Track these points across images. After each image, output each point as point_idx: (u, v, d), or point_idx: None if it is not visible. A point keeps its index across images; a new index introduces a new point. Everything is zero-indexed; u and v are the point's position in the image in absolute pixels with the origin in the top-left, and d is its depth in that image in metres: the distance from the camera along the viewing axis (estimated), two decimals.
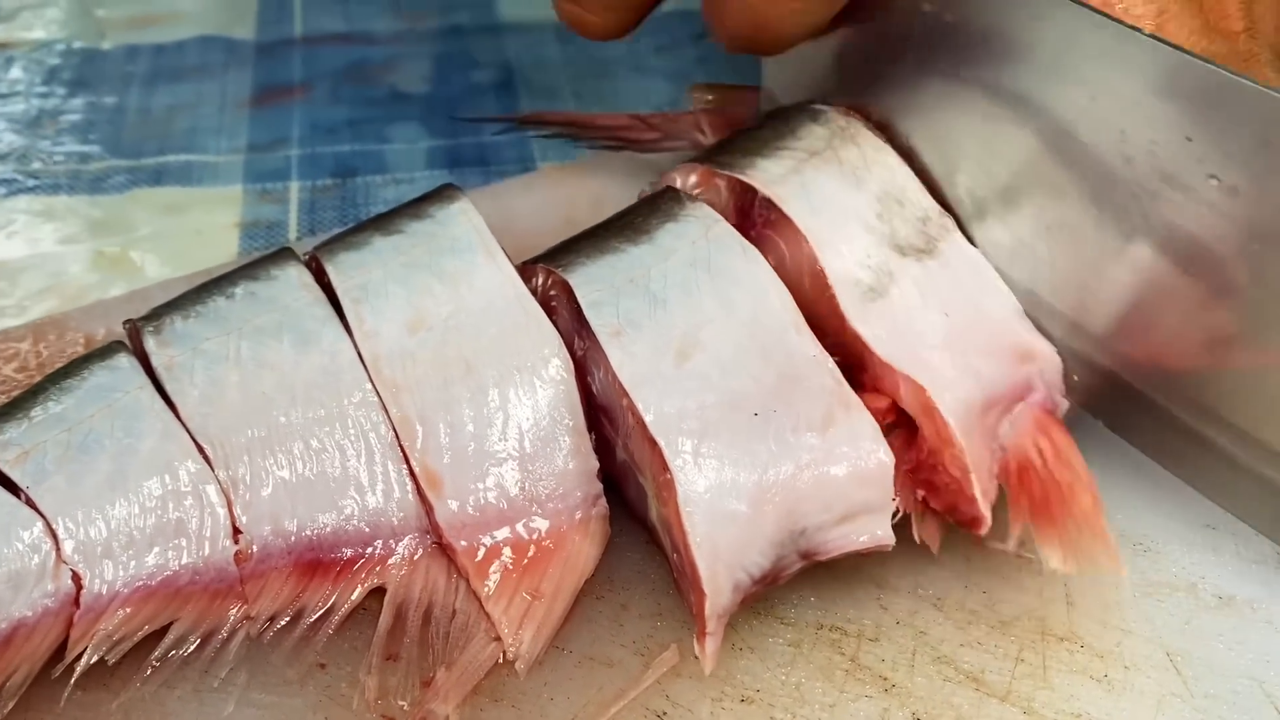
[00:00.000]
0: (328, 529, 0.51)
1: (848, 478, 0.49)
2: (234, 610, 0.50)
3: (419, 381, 0.51)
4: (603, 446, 0.54)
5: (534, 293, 0.54)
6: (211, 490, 0.50)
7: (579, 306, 0.51)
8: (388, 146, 0.81)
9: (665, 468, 0.48)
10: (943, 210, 0.55)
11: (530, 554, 0.51)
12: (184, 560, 0.49)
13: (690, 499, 0.48)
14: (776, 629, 0.52)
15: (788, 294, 0.52)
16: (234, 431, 0.51)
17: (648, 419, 0.49)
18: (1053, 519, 0.51)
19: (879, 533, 0.50)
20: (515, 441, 0.51)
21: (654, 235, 0.54)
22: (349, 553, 0.51)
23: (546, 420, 0.51)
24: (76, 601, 0.48)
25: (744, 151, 0.57)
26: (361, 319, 0.53)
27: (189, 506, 0.50)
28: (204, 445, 0.50)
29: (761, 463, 0.49)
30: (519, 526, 0.51)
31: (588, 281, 0.52)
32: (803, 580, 0.52)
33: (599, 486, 0.52)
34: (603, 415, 0.54)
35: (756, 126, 0.59)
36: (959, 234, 0.55)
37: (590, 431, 0.53)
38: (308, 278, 0.54)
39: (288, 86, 0.87)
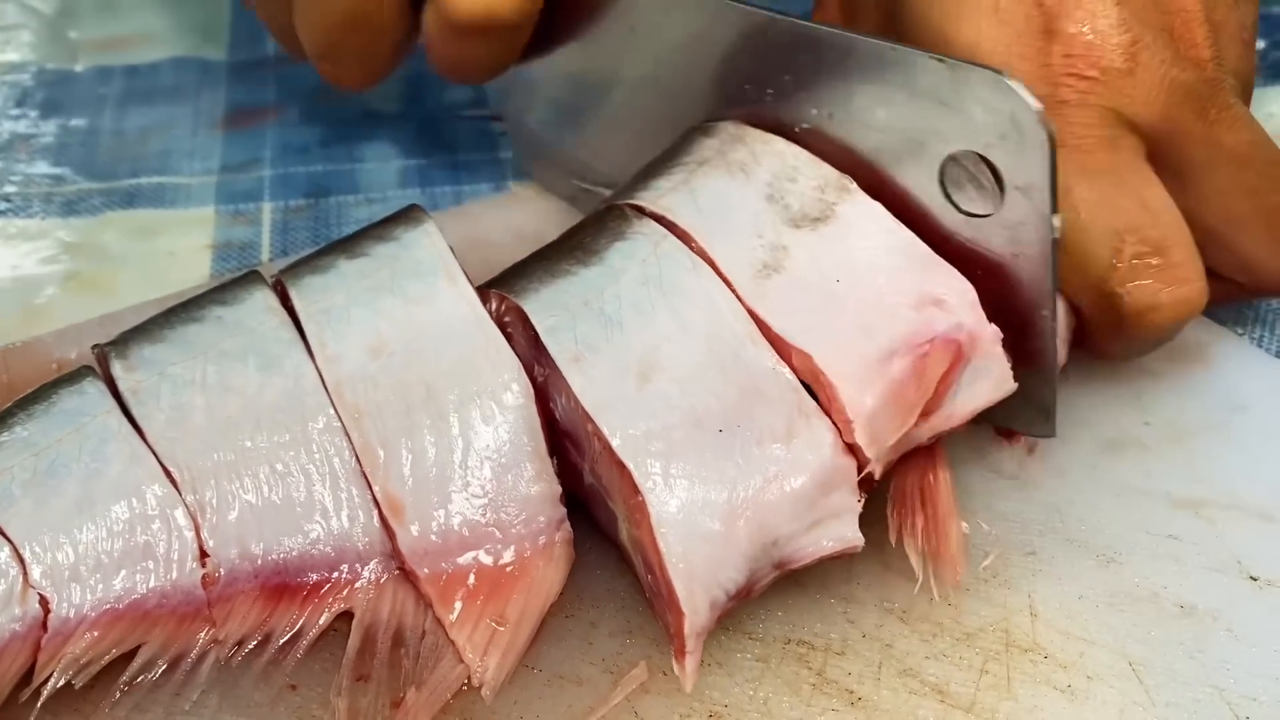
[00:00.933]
0: (293, 553, 0.50)
1: (814, 485, 0.49)
2: (202, 634, 0.50)
3: (380, 406, 0.51)
4: (569, 470, 0.53)
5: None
6: (179, 514, 0.49)
7: (535, 333, 0.51)
8: (360, 166, 0.81)
9: (636, 491, 0.48)
10: (840, 173, 0.55)
11: (494, 581, 0.50)
12: (151, 583, 0.49)
13: (664, 520, 0.47)
14: (744, 644, 0.51)
15: (740, 306, 0.51)
16: (200, 455, 0.50)
17: (614, 443, 0.48)
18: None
19: (848, 535, 0.50)
20: (477, 468, 0.50)
21: (604, 255, 0.53)
22: (315, 577, 0.51)
23: (508, 446, 0.51)
24: (44, 625, 0.48)
25: (643, 176, 0.57)
26: (324, 343, 0.52)
27: (156, 530, 0.49)
28: (171, 469, 0.50)
29: (730, 479, 0.48)
30: (482, 553, 0.50)
31: (543, 307, 0.51)
32: (770, 595, 0.51)
33: (562, 511, 0.51)
34: (567, 440, 0.53)
35: (661, 153, 0.59)
36: (860, 193, 0.54)
37: (553, 456, 0.52)
38: (274, 301, 0.54)
39: (260, 107, 0.86)
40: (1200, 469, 0.58)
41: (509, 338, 0.53)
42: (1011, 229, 0.51)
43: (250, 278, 0.55)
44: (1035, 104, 0.48)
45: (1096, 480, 0.57)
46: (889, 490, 0.53)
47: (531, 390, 0.51)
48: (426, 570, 0.50)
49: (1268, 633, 0.52)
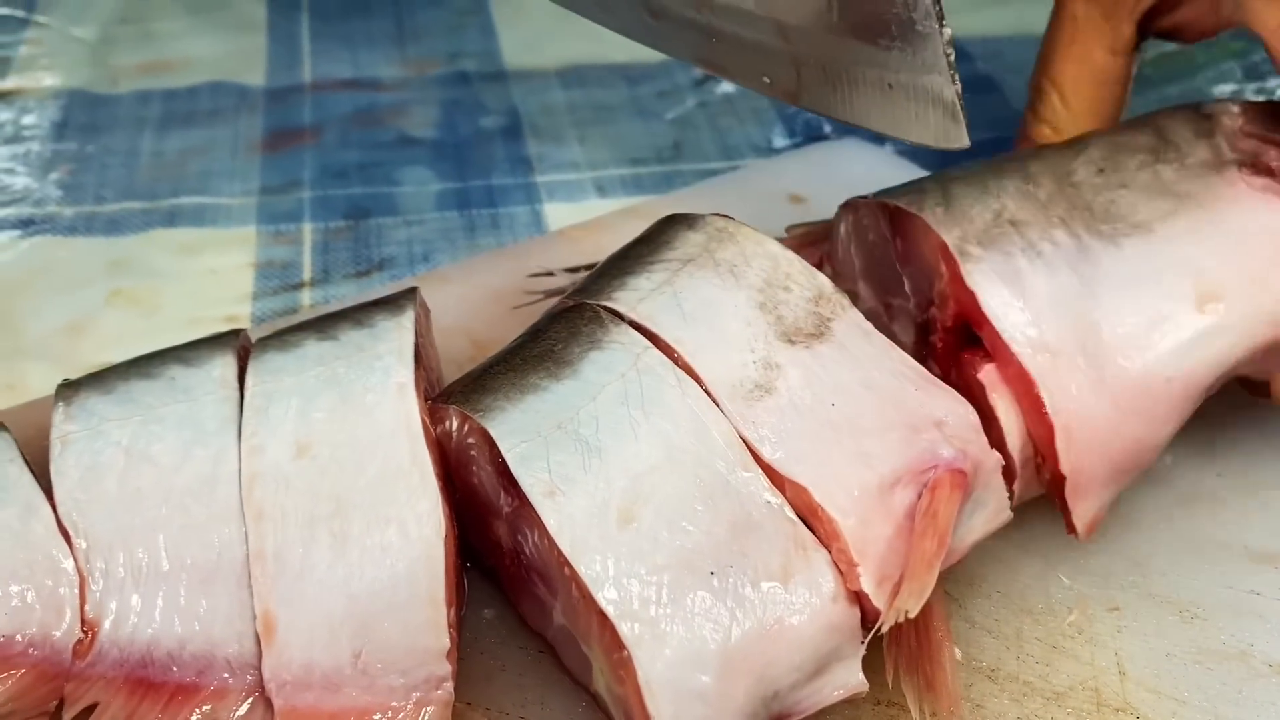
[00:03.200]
0: (164, 648, 0.44)
1: (815, 630, 0.41)
2: (50, 704, 0.44)
3: (285, 512, 0.44)
4: (536, 609, 0.46)
5: (448, 437, 0.46)
6: (66, 573, 0.44)
7: (503, 460, 0.43)
8: (398, 189, 0.76)
9: (620, 645, 0.40)
10: (836, 288, 0.48)
11: None
12: (25, 629, 0.43)
13: (652, 679, 0.39)
14: (835, 706, 0.44)
15: (730, 429, 0.44)
16: (101, 522, 0.45)
17: (596, 593, 0.40)
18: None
19: (853, 681, 0.43)
20: (364, 602, 0.42)
21: (578, 368, 0.45)
22: (182, 678, 0.44)
23: (403, 584, 0.43)
24: None
25: (618, 273, 0.49)
26: (254, 430, 0.45)
27: (40, 581, 0.44)
28: (69, 529, 0.45)
29: (724, 627, 0.40)
30: (340, 696, 0.43)
31: (511, 431, 0.43)
32: None
33: (447, 669, 0.43)
34: (536, 577, 0.45)
35: (636, 241, 0.52)
36: (854, 310, 0.47)
37: (518, 593, 0.47)
38: (230, 372, 0.47)
39: (298, 131, 0.81)
40: (1275, 521, 0.53)
41: (470, 462, 0.46)
42: None
43: (222, 339, 0.50)
44: None
45: (1174, 533, 0.52)
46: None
47: (444, 528, 0.43)
48: (282, 701, 0.43)
49: None
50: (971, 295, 0.48)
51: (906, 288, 0.52)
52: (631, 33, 0.60)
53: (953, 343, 0.50)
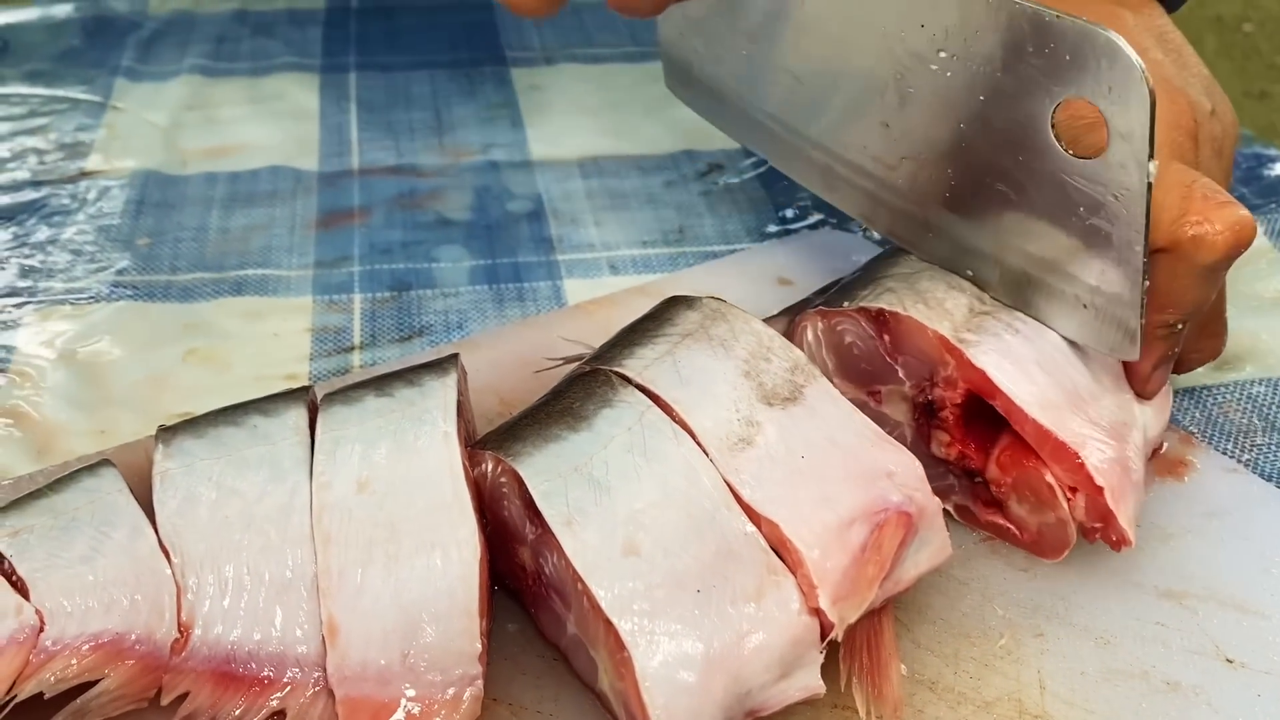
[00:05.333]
0: (246, 646, 0.51)
1: (782, 641, 0.49)
2: (150, 692, 0.51)
3: (349, 536, 0.51)
4: (552, 621, 0.54)
5: (484, 477, 0.54)
6: (167, 583, 0.51)
7: (529, 495, 0.50)
8: (436, 265, 0.82)
9: (622, 646, 0.47)
10: (809, 359, 0.56)
11: (394, 717, 0.50)
12: (135, 628, 0.50)
13: (648, 674, 0.47)
14: (796, 706, 0.51)
15: (716, 474, 0.51)
16: (195, 542, 0.52)
17: (603, 603, 0.48)
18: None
19: (812, 684, 0.50)
20: (412, 612, 0.50)
21: (592, 422, 0.53)
22: (260, 672, 0.51)
23: (445, 598, 0.50)
24: (37, 642, 0.50)
25: (628, 344, 0.57)
26: (322, 470, 0.53)
27: (146, 589, 0.51)
28: (168, 547, 0.52)
29: (708, 635, 0.48)
30: (392, 690, 0.50)
31: (537, 472, 0.51)
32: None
33: (478, 669, 0.50)
34: (554, 594, 0.53)
35: (644, 317, 0.60)
36: (823, 379, 0.55)
37: (535, 609, 0.54)
38: (303, 421, 0.55)
39: (348, 211, 0.87)
40: (1183, 565, 0.60)
41: (503, 498, 0.54)
42: (1113, 170, 0.52)
43: (295, 394, 0.57)
44: (1140, 63, 0.49)
45: (1095, 573, 0.59)
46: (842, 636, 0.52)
47: (480, 552, 0.51)
48: (343, 692, 0.50)
49: (1241, 707, 0.53)
50: (982, 374, 0.56)
51: (900, 374, 0.60)
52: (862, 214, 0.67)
53: (961, 415, 0.58)
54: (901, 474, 0.53)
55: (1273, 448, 0.68)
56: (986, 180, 0.57)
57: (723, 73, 0.69)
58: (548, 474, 0.51)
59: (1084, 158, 0.53)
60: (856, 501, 0.52)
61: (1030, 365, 0.57)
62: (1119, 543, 0.56)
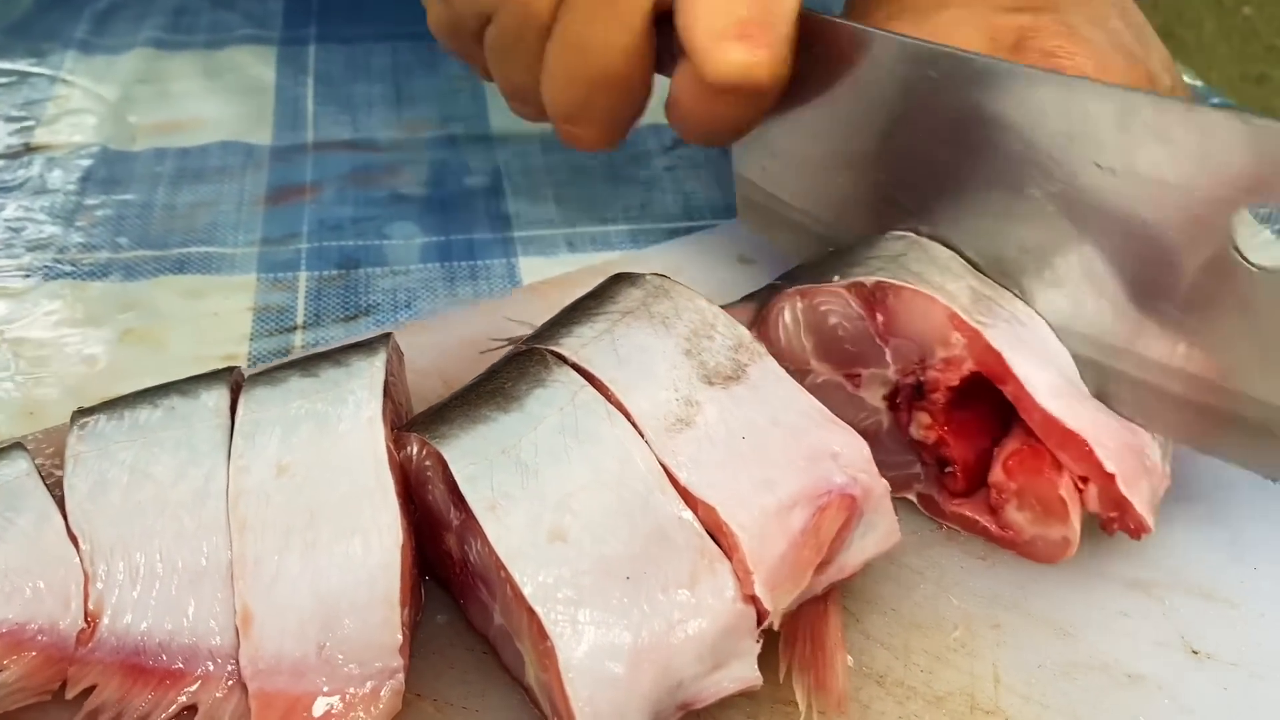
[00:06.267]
0: (156, 638, 0.48)
1: (716, 630, 0.46)
2: (54, 685, 0.49)
3: (265, 523, 0.48)
4: (479, 612, 0.51)
5: (409, 461, 0.52)
6: (74, 571, 0.49)
7: (454, 480, 0.48)
8: (387, 242, 0.80)
9: (545, 636, 0.44)
10: (755, 337, 0.53)
11: (310, 711, 0.47)
12: (37, 617, 0.48)
13: (571, 666, 0.44)
14: (735, 700, 0.49)
15: (651, 456, 0.49)
16: (105, 528, 0.49)
17: (526, 591, 0.45)
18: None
19: (748, 675, 0.47)
20: (330, 601, 0.47)
21: (523, 402, 0.50)
22: (170, 666, 0.48)
23: (364, 587, 0.47)
24: None
25: (567, 322, 0.54)
26: (241, 453, 0.50)
27: (50, 577, 0.48)
28: (76, 534, 0.49)
29: (636, 624, 0.45)
30: (306, 682, 0.47)
31: (462, 455, 0.48)
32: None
33: (399, 662, 0.48)
34: (480, 582, 0.50)
35: (586, 295, 0.57)
36: (768, 357, 0.52)
37: (462, 599, 0.51)
38: (224, 403, 0.52)
39: (299, 187, 0.85)
40: (1150, 553, 0.57)
41: (427, 482, 0.51)
42: None
43: (217, 375, 0.55)
44: None
45: (1058, 563, 0.56)
46: (782, 627, 0.50)
47: (404, 539, 0.48)
48: (256, 686, 0.47)
49: (1206, 701, 0.51)
50: (998, 356, 0.53)
51: (888, 357, 0.57)
52: None
53: (951, 397, 0.56)
54: (847, 455, 0.50)
55: None
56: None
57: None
58: (473, 456, 0.48)
59: (1270, 269, 0.49)
60: (799, 484, 0.49)
61: (1039, 354, 0.54)
62: (1138, 530, 0.53)
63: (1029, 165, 0.55)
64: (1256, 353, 0.51)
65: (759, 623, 0.47)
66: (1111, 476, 0.52)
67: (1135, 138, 0.51)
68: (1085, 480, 0.53)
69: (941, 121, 0.57)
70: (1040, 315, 0.56)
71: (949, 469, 0.56)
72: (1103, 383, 0.55)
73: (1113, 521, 0.53)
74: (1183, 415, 0.54)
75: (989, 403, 0.55)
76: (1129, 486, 0.52)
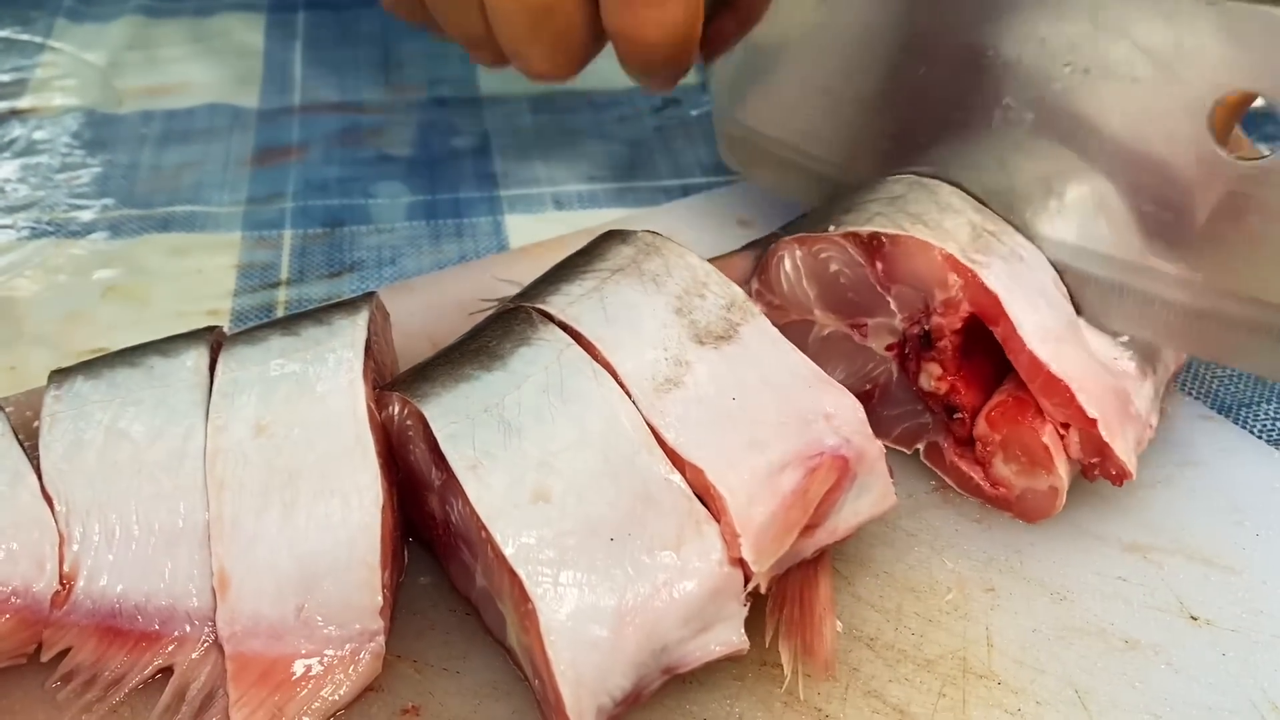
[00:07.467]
0: (132, 600, 0.47)
1: (702, 592, 0.45)
2: (29, 648, 0.47)
3: (244, 484, 0.47)
4: (462, 573, 0.49)
5: (390, 421, 0.50)
6: (48, 532, 0.47)
7: (436, 439, 0.46)
8: (372, 201, 0.79)
9: (526, 598, 0.43)
10: (747, 296, 0.51)
11: (287, 674, 0.46)
12: (11, 580, 0.46)
13: (553, 628, 0.42)
14: (721, 664, 0.47)
15: (638, 415, 0.47)
16: (81, 489, 0.48)
17: (507, 551, 0.43)
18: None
19: (734, 639, 0.46)
20: (308, 562, 0.46)
21: (507, 361, 0.48)
22: (147, 628, 0.47)
23: (344, 548, 0.46)
24: None
25: (555, 280, 0.53)
26: (219, 413, 0.48)
27: (25, 538, 0.47)
28: (51, 495, 0.48)
29: (620, 586, 0.44)
30: (284, 644, 0.46)
31: (443, 414, 0.46)
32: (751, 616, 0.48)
33: (379, 624, 0.46)
34: (462, 543, 0.48)
35: (576, 253, 0.55)
36: (761, 316, 0.51)
37: (448, 559, 0.50)
38: (203, 362, 0.51)
39: (285, 148, 0.84)
40: (1150, 517, 0.56)
41: (409, 442, 0.49)
42: None
43: (197, 335, 0.53)
44: None
45: (1055, 525, 0.55)
46: (770, 590, 0.49)
47: (384, 500, 0.46)
48: (232, 648, 0.46)
49: (1204, 667, 0.49)
50: (993, 297, 0.52)
51: (892, 305, 0.55)
52: None
53: (959, 344, 0.54)
54: (840, 416, 0.48)
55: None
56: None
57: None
58: (455, 415, 0.46)
59: (1250, 159, 0.48)
60: (789, 445, 0.47)
61: (1035, 293, 0.53)
62: (1119, 476, 0.52)
63: (1008, 76, 0.54)
64: (1251, 250, 0.50)
65: (745, 585, 0.46)
66: (1093, 421, 0.51)
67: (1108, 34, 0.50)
68: (1066, 427, 0.52)
69: (913, 38, 0.57)
70: (1040, 248, 0.55)
71: (957, 415, 0.55)
72: (1108, 302, 0.54)
73: (1094, 468, 0.52)
74: (1186, 323, 0.53)
75: (997, 350, 0.53)
76: (1110, 431, 0.51)
